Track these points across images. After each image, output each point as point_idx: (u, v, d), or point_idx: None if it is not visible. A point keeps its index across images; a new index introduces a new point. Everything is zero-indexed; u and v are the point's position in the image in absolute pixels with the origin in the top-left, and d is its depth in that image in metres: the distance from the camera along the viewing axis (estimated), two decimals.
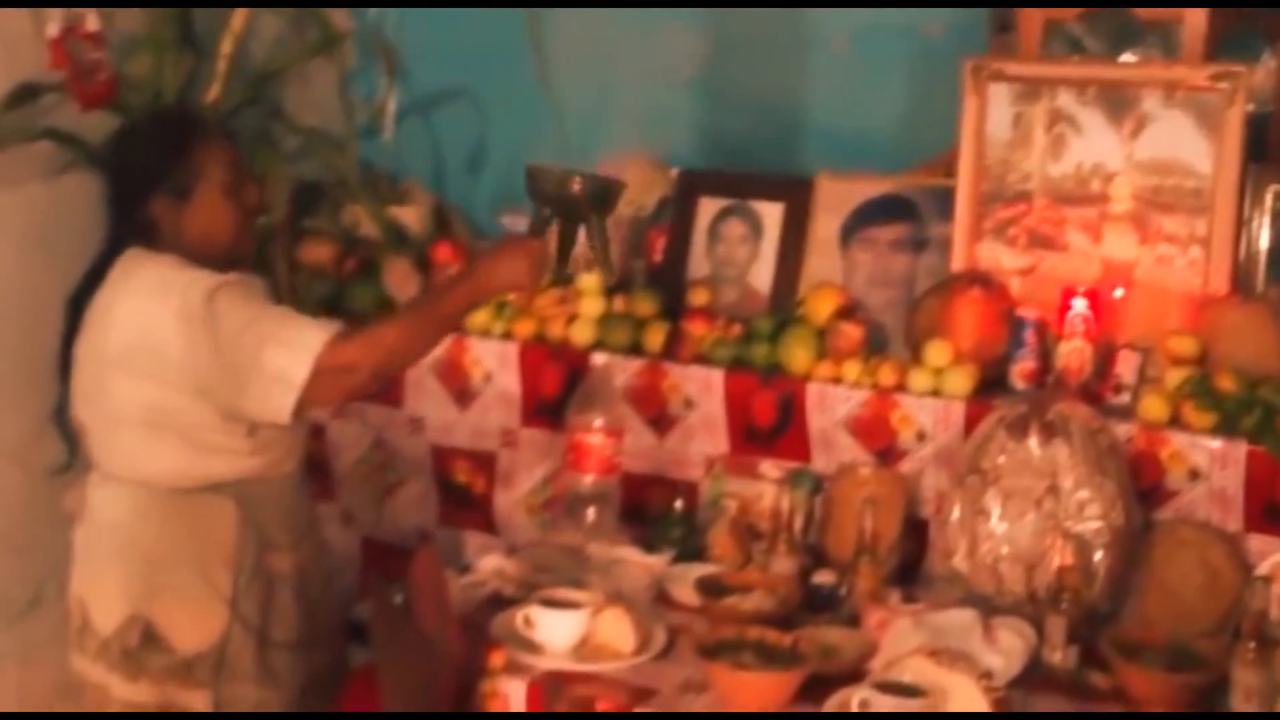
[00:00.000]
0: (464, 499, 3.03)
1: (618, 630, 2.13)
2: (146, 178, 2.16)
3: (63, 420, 2.26)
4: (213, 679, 2.15)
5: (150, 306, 2.08)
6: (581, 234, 2.27)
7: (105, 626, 2.16)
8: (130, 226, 2.17)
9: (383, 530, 3.17)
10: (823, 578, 2.38)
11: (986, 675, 1.93)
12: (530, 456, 2.92)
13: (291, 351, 2.03)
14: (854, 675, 2.03)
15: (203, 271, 2.11)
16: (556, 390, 2.83)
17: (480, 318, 2.93)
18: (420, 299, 2.28)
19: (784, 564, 2.37)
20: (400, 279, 3.06)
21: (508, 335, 2.92)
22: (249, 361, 2.04)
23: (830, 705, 1.94)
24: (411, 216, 3.43)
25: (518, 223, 3.27)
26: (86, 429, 2.21)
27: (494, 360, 2.92)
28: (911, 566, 2.50)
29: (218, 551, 2.16)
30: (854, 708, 1.88)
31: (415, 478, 3.10)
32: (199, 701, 2.15)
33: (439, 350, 2.93)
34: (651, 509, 2.72)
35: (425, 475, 3.08)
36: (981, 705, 1.89)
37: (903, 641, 2.08)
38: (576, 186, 2.16)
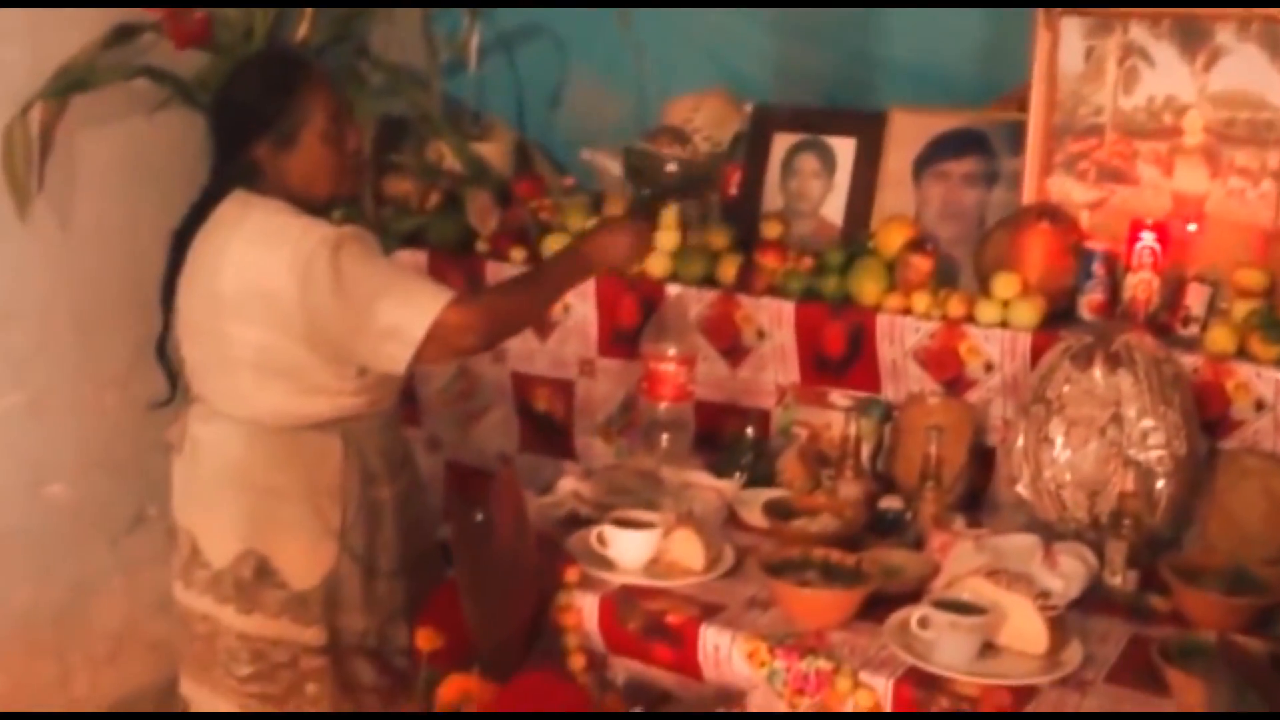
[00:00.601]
0: (544, 426, 3.13)
1: (688, 549, 2.22)
2: (251, 121, 2.18)
3: (164, 353, 2.33)
4: (325, 613, 2.23)
5: (264, 254, 2.12)
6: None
7: (217, 560, 2.23)
8: (234, 168, 2.22)
9: (466, 455, 3.28)
10: (889, 503, 2.45)
11: (1043, 595, 1.99)
12: (607, 385, 3.01)
13: (409, 310, 2.09)
14: (916, 595, 2.10)
15: (316, 220, 2.16)
16: (633, 321, 2.91)
17: (556, 248, 3.01)
18: (530, 271, 2.37)
19: (851, 489, 2.43)
20: (482, 213, 3.15)
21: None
22: (365, 314, 2.08)
23: (891, 623, 2.01)
24: (493, 152, 3.51)
25: (597, 159, 3.37)
26: (193, 366, 2.28)
27: (573, 291, 2.96)
28: (977, 493, 2.56)
29: (326, 486, 2.23)
30: (913, 624, 1.95)
31: (498, 405, 3.20)
32: (312, 637, 2.23)
33: None
34: (724, 436, 2.79)
35: (507, 403, 3.18)
36: (1038, 624, 1.95)
37: (964, 563, 2.14)
38: (672, 168, 2.26)
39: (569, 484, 2.52)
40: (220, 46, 3.17)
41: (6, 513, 3.15)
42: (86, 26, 3.02)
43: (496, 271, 3.09)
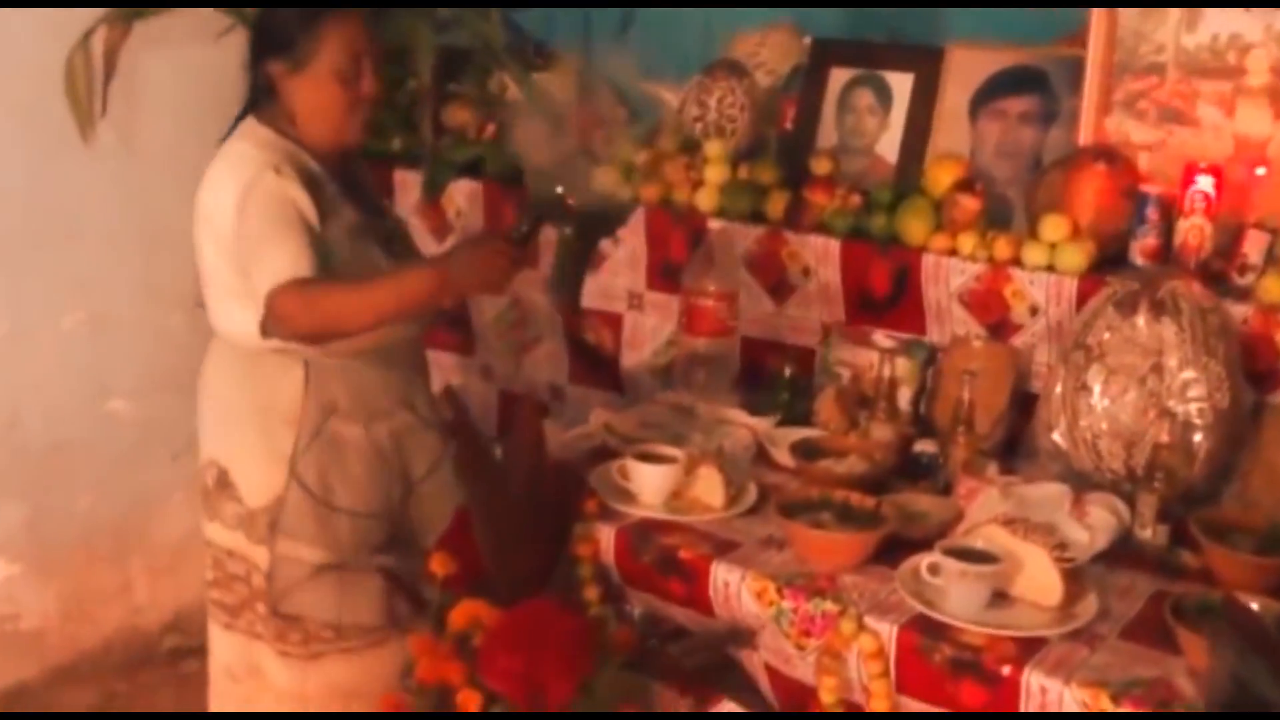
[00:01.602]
0: (593, 358, 3.13)
1: (709, 486, 2.21)
2: (271, 38, 2.22)
3: None
4: (270, 535, 2.26)
5: (223, 177, 2.18)
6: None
7: (200, 464, 2.35)
8: (254, 84, 2.25)
9: (519, 384, 3.30)
10: (923, 446, 2.41)
11: (1060, 546, 1.95)
12: (655, 318, 3.00)
13: (266, 268, 2.09)
14: (935, 541, 2.06)
15: (264, 154, 2.16)
16: (682, 254, 2.89)
17: (609, 182, 2.99)
18: (385, 277, 2.16)
19: (883, 431, 2.40)
20: (530, 143, 3.13)
21: (635, 199, 2.97)
22: (248, 259, 2.13)
23: (903, 568, 1.99)
24: (556, 82, 3.48)
25: (658, 91, 3.33)
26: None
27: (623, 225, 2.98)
28: (1018, 440, 2.50)
29: (280, 411, 2.25)
30: (923, 570, 1.93)
31: (548, 336, 3.21)
32: (260, 556, 2.28)
33: None
34: (767, 373, 2.77)
35: (557, 334, 3.19)
36: (1052, 575, 1.91)
37: (987, 510, 2.11)
38: (570, 201, 2.22)
39: (601, 416, 2.53)
40: None
41: (71, 426, 3.26)
42: None
43: None
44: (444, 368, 3.43)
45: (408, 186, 3.39)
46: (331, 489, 2.27)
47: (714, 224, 2.69)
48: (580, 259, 2.31)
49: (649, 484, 2.21)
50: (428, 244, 3.34)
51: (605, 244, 3.02)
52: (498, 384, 3.35)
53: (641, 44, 3.56)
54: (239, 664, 2.35)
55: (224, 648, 2.38)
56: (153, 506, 3.39)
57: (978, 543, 1.95)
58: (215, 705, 2.43)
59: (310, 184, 2.17)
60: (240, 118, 2.28)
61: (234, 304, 2.22)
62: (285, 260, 2.08)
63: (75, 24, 2.99)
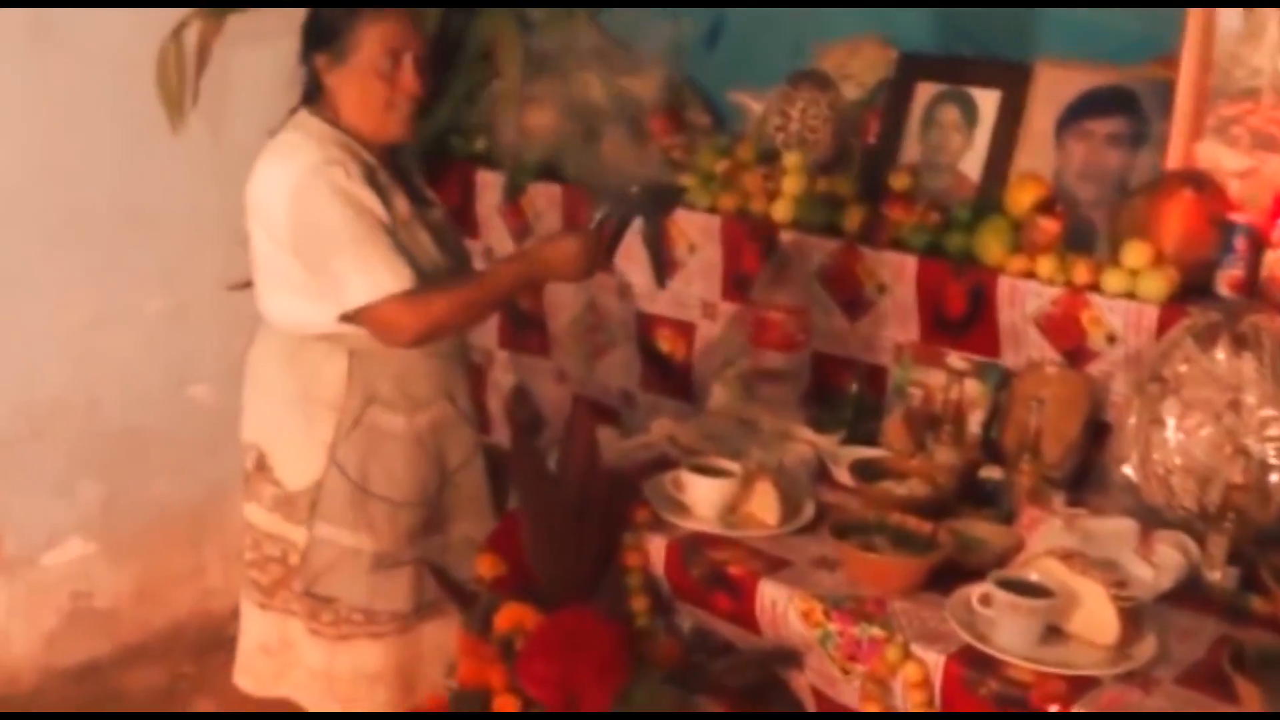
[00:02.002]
0: (665, 366, 3.11)
1: (765, 502, 2.19)
2: (316, 32, 2.26)
3: None
4: (309, 515, 2.30)
5: (274, 167, 2.22)
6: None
7: (241, 448, 2.40)
8: (305, 81, 2.29)
9: (591, 389, 3.29)
10: (990, 472, 2.36)
11: (1119, 584, 1.89)
12: (728, 330, 2.97)
13: (360, 276, 2.14)
14: (992, 570, 2.01)
15: (321, 146, 2.20)
16: (756, 266, 2.86)
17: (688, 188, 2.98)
18: (477, 277, 2.31)
19: (947, 455, 2.35)
20: (615, 149, 3.12)
21: (713, 209, 2.95)
22: (323, 254, 2.16)
23: (955, 597, 1.94)
24: (642, 87, 3.46)
25: (743, 100, 3.31)
26: None
27: (698, 233, 2.96)
28: (1089, 471, 2.44)
29: (322, 396, 2.28)
30: (974, 601, 1.88)
31: (622, 342, 3.20)
32: (298, 536, 2.31)
33: None
34: (837, 390, 2.73)
35: (630, 340, 3.17)
36: (1109, 613, 1.86)
37: (1048, 542, 2.05)
38: (633, 190, 2.29)
39: (664, 426, 2.51)
40: None
41: (150, 411, 3.32)
42: None
43: None
44: (520, 369, 3.45)
45: (489, 187, 3.40)
46: (369, 476, 2.30)
47: (787, 236, 2.65)
48: (656, 242, 2.39)
49: (703, 497, 2.18)
50: (507, 244, 3.36)
51: (681, 252, 3.00)
52: (571, 387, 3.35)
53: (730, 52, 3.54)
54: (273, 639, 2.40)
55: (259, 626, 2.42)
56: (227, 492, 3.40)
57: (1033, 575, 1.90)
58: (243, 678, 2.48)
59: (368, 176, 2.21)
60: (292, 110, 2.32)
61: (284, 291, 2.26)
62: (386, 273, 2.15)
63: (168, 16, 3.04)
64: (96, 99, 3.08)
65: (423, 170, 3.40)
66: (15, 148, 3.00)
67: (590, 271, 2.30)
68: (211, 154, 3.23)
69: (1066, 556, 1.92)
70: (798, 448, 2.45)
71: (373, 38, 2.21)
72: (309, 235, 2.17)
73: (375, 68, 2.22)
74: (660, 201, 2.38)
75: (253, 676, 2.47)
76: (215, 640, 3.48)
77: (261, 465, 2.36)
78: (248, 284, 2.39)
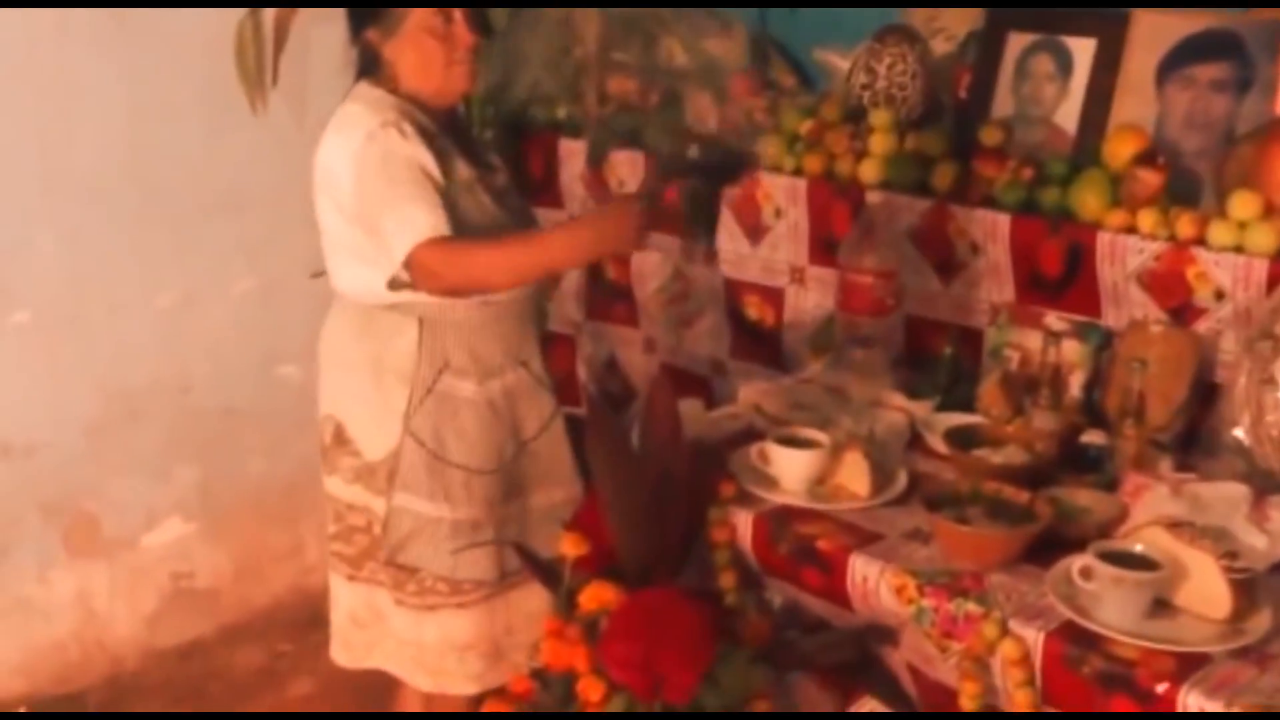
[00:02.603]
0: (754, 333, 3.05)
1: (855, 472, 2.12)
2: (361, 15, 2.26)
3: None
4: (388, 485, 2.29)
5: (338, 137, 2.21)
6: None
7: (320, 420, 2.39)
8: (360, 55, 2.28)
9: (680, 358, 3.24)
10: (1092, 438, 2.27)
11: (1231, 555, 1.80)
12: (818, 294, 2.89)
13: (402, 228, 2.12)
14: (1094, 541, 1.93)
15: (379, 110, 2.19)
16: (845, 228, 2.78)
17: (771, 151, 2.91)
18: (525, 237, 2.25)
19: (1046, 420, 2.26)
20: (700, 113, 3.06)
21: (798, 171, 2.88)
22: (378, 215, 2.14)
23: (1055, 570, 1.86)
24: (727, 48, 3.38)
25: (828, 58, 3.22)
26: None
27: (784, 196, 2.89)
28: (1199, 434, 2.33)
29: (394, 366, 2.27)
30: (1075, 574, 1.80)
31: (710, 310, 3.14)
32: (379, 506, 2.30)
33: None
34: (931, 354, 2.65)
35: (719, 308, 3.11)
36: (1220, 585, 1.77)
37: (1154, 510, 1.97)
38: (690, 153, 2.23)
39: (751, 395, 2.45)
40: None
41: (241, 390, 3.33)
42: None
43: None
44: (609, 339, 3.41)
45: (572, 155, 3.35)
46: (445, 444, 2.29)
47: (873, 196, 2.57)
48: (706, 206, 2.33)
49: (790, 469, 2.12)
50: (592, 206, 3.30)
51: (767, 215, 2.93)
52: (660, 357, 3.30)
53: (814, 10, 3.45)
54: (363, 610, 2.39)
55: (348, 597, 2.42)
56: (320, 470, 3.44)
57: (1138, 546, 1.81)
58: (338, 652, 2.48)
59: (426, 138, 2.20)
60: (354, 84, 2.31)
61: (353, 262, 2.25)
62: (423, 219, 2.12)
63: None
64: (178, 80, 3.08)
65: (506, 139, 3.46)
66: (100, 131, 3.02)
67: (642, 241, 2.22)
68: (293, 134, 3.19)
69: (1173, 525, 1.83)
70: (890, 415, 2.38)
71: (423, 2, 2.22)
72: (367, 199, 2.17)
73: (429, 29, 2.22)
74: (723, 168, 2.33)
75: (347, 649, 2.48)
76: (313, 617, 3.48)
77: (340, 437, 2.36)
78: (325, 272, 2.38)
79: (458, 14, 2.23)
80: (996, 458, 2.16)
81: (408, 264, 2.13)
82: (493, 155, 2.47)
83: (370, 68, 2.29)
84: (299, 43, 3.14)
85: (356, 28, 2.29)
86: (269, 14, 3.09)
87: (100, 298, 3.10)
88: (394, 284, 2.18)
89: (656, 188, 2.26)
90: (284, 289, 3.32)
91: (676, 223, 2.37)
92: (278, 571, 3.47)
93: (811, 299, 2.91)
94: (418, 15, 2.22)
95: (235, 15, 3.01)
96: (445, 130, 2.29)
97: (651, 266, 3.22)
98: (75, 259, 3.05)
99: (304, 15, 3.12)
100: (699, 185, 2.29)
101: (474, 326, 2.30)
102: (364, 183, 2.16)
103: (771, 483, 2.14)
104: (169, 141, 3.10)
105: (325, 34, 3.18)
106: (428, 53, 2.23)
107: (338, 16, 3.12)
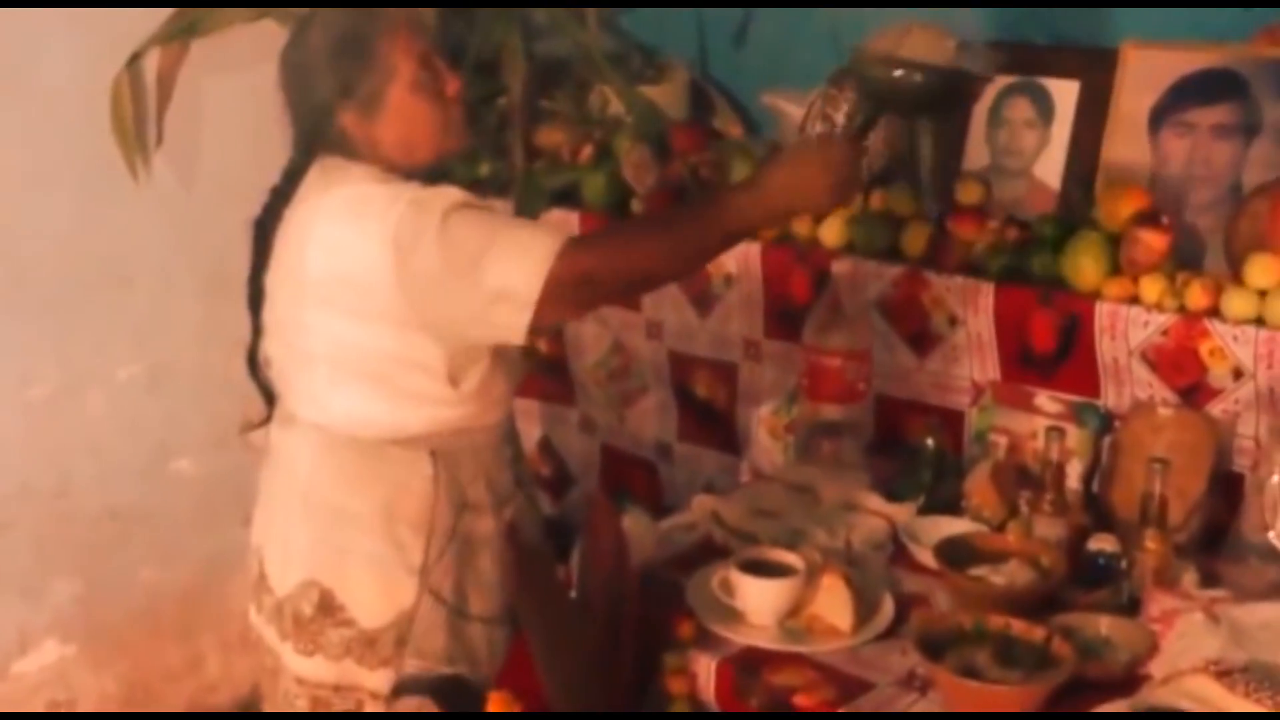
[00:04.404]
0: (705, 413, 2.74)
1: (834, 602, 1.80)
2: (328, 88, 1.82)
3: (256, 366, 1.97)
4: (396, 654, 1.89)
5: (349, 230, 1.77)
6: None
7: (281, 586, 1.93)
8: (323, 142, 1.86)
9: (623, 439, 2.93)
10: (1101, 544, 1.95)
11: None
12: (774, 371, 2.59)
13: (518, 263, 1.71)
14: (1124, 683, 1.63)
15: (405, 184, 1.80)
16: (805, 297, 2.48)
17: None
18: (686, 207, 1.90)
19: (1051, 526, 1.95)
20: (637, 167, 2.75)
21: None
22: (469, 279, 1.72)
23: None
24: (666, 96, 3.10)
25: (778, 103, 2.93)
26: (276, 363, 1.95)
27: (735, 262, 2.58)
28: (1219, 531, 2.04)
29: (408, 515, 1.88)
30: None
31: (655, 387, 2.83)
32: (378, 681, 1.89)
33: None
34: (907, 441, 2.35)
35: (664, 385, 2.81)
36: None
37: (1191, 644, 1.66)
38: (917, 78, 1.77)
39: (706, 503, 2.12)
40: None
41: (128, 489, 2.98)
42: None
43: None
44: (539, 418, 3.08)
45: None
46: (465, 596, 1.91)
47: (840, 264, 2.25)
48: (933, 153, 1.87)
49: (758, 602, 1.80)
50: None
51: (717, 284, 2.62)
52: (599, 438, 2.98)
53: (761, 50, 3.16)
54: None
55: None
56: (223, 574, 3.07)
57: (1183, 702, 1.50)
58: None
59: None
60: (295, 178, 1.87)
61: (361, 387, 1.84)
62: (537, 237, 1.75)
63: (123, 45, 2.69)
64: (45, 142, 2.72)
65: None
66: None
67: (849, 196, 1.84)
68: (182, 199, 2.87)
69: (1223, 673, 1.52)
70: (868, 522, 2.06)
71: (401, 58, 1.83)
72: (442, 273, 1.73)
73: (417, 86, 1.84)
74: (957, 93, 1.84)
75: None
76: None
77: (327, 607, 1.91)
78: (263, 422, 1.99)
79: (435, 60, 1.87)
80: (998, 578, 1.84)
81: (551, 284, 1.71)
82: None
83: (341, 150, 1.86)
84: (188, 96, 2.81)
85: (323, 115, 1.84)
86: (150, 66, 2.74)
87: None
88: (530, 333, 1.77)
89: (865, 118, 1.83)
90: (174, 373, 2.97)
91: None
92: (173, 692, 3.10)
93: (768, 376, 2.61)
94: (403, 74, 1.83)
95: (110, 66, 2.67)
96: None
97: (587, 338, 2.91)
98: None
99: (192, 65, 2.78)
100: (924, 121, 1.90)
101: (488, 452, 1.95)
102: (429, 254, 1.72)
103: (737, 618, 1.81)
104: (34, 210, 2.74)
105: (218, 85, 2.87)
106: (422, 116, 1.85)
107: (235, 64, 2.81)
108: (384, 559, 1.87)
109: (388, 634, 1.88)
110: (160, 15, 2.70)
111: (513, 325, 1.74)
